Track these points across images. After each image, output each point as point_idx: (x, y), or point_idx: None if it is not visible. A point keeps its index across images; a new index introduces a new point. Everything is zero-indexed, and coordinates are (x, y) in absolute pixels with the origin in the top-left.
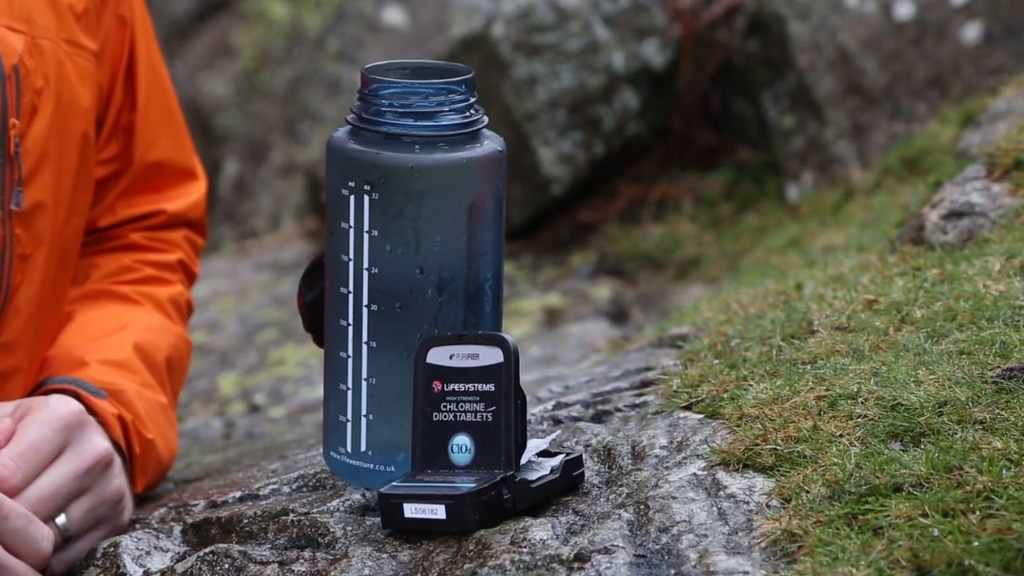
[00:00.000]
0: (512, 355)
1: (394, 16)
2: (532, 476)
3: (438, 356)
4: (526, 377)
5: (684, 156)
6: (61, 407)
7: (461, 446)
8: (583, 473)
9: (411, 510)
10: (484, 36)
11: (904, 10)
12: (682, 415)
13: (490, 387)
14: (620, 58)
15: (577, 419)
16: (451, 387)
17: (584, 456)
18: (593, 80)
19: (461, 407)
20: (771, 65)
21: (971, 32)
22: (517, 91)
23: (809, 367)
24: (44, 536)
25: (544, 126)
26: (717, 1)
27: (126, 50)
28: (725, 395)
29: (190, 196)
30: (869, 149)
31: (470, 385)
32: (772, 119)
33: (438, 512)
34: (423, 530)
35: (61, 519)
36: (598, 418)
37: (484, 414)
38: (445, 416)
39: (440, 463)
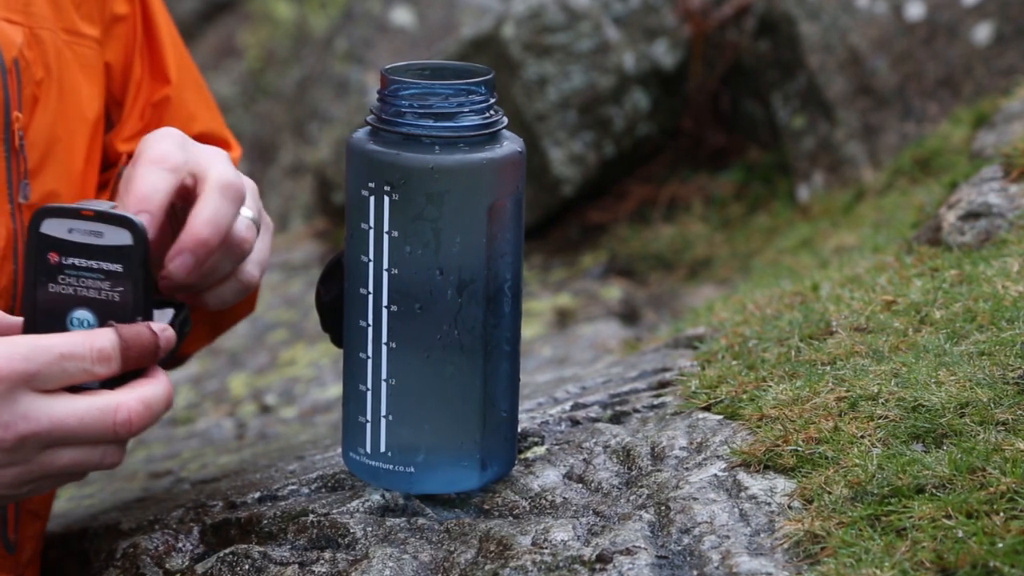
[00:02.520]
0: (142, 237)
1: (402, 17)
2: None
3: (55, 228)
4: (540, 377)
5: (694, 157)
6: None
7: (82, 320)
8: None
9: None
10: (494, 37)
11: (915, 10)
12: (701, 416)
13: (118, 267)
14: (630, 59)
15: (595, 420)
16: (70, 261)
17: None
18: (603, 81)
19: (82, 283)
20: (781, 66)
21: (982, 32)
22: (527, 92)
23: (828, 368)
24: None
25: (554, 127)
26: (727, 2)
27: (139, 25)
28: (744, 396)
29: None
30: (880, 150)
31: (94, 262)
32: (782, 120)
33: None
34: None
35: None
36: (616, 419)
37: (110, 293)
38: (64, 289)
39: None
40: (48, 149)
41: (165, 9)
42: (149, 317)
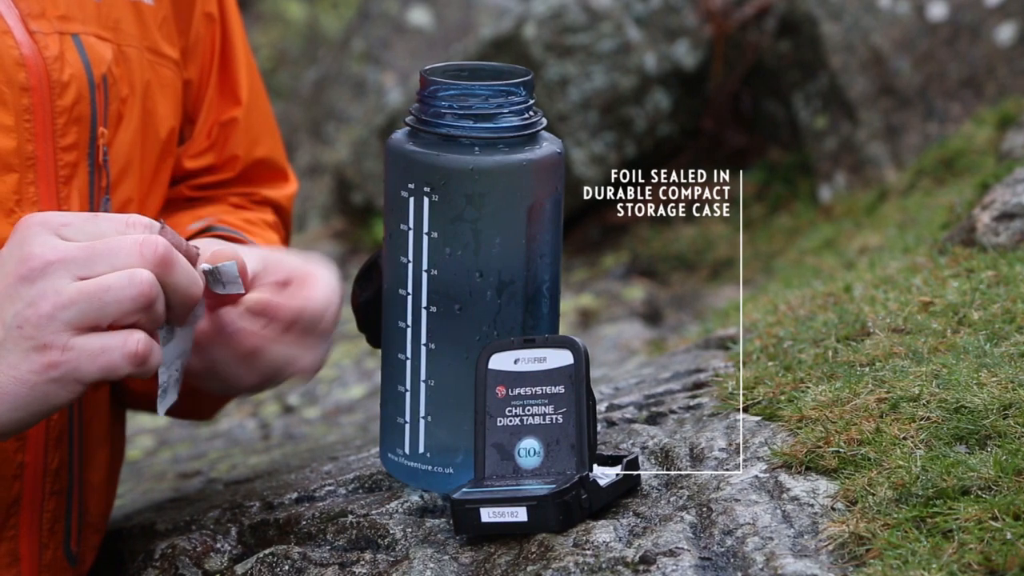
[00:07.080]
0: (583, 357)
1: (419, 17)
2: (599, 478)
3: (501, 361)
4: None
5: (715, 157)
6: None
7: (529, 449)
8: (640, 476)
9: (489, 514)
10: (516, 37)
11: (937, 11)
12: (739, 417)
13: (559, 389)
14: (651, 59)
15: (631, 421)
16: (516, 391)
17: (640, 458)
18: (625, 81)
19: (528, 411)
20: (803, 66)
21: (1005, 33)
22: (549, 92)
23: (867, 369)
24: None
25: (576, 127)
26: (748, 2)
27: (216, 46)
28: (782, 397)
29: (285, 190)
30: (903, 150)
31: (538, 388)
32: (803, 120)
33: (519, 515)
34: (501, 534)
35: None
36: (652, 420)
37: (554, 416)
38: (511, 421)
39: (507, 468)
40: (126, 166)
41: (243, 32)
42: (593, 440)
